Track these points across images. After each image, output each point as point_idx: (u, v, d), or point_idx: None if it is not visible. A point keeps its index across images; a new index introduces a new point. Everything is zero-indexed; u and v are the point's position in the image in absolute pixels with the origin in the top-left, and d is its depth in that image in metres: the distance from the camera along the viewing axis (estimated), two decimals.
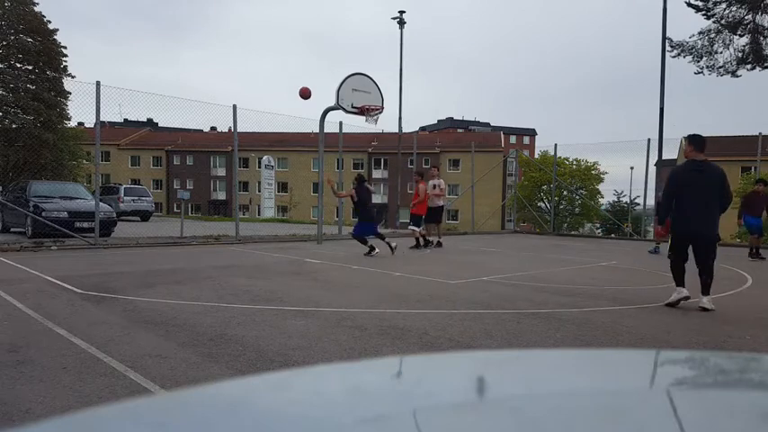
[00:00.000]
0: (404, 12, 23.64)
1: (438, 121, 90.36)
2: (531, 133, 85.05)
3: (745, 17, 19.72)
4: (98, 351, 3.70)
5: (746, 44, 19.91)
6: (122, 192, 22.17)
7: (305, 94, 12.08)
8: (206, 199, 56.16)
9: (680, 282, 5.78)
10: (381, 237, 10.72)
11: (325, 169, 13.57)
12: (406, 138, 25.44)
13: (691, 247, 5.78)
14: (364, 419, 0.62)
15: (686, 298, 5.68)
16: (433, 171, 12.94)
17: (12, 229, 13.41)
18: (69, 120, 25.45)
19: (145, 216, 21.81)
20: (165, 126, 58.07)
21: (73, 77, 25.83)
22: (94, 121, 11.19)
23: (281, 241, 13.71)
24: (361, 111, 13.06)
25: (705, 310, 5.52)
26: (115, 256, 9.56)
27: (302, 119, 26.52)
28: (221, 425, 0.59)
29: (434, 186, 12.30)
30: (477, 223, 20.69)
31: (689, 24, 23.11)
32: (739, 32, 19.88)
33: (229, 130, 14.26)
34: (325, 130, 13.48)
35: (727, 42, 20.26)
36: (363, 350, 3.90)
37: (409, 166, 17.90)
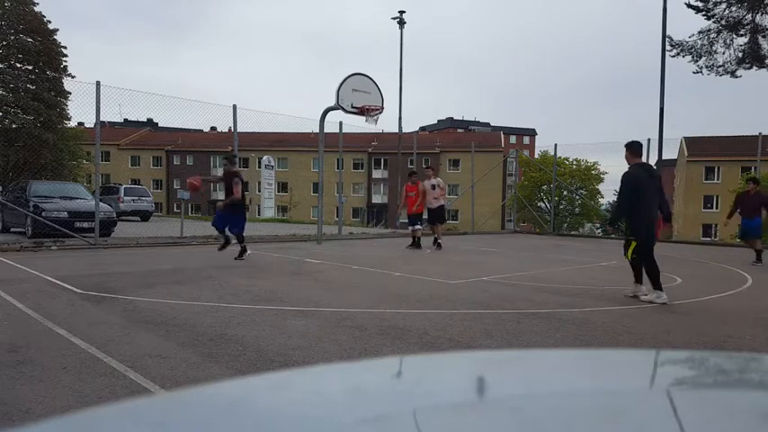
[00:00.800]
0: (404, 12, 23.66)
1: (438, 121, 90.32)
2: (531, 133, 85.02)
3: (745, 17, 19.73)
4: (98, 351, 3.70)
5: (745, 44, 19.92)
6: (122, 192, 22.16)
7: (193, 187, 9.44)
8: (206, 199, 56.16)
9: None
10: (225, 237, 9.39)
11: (325, 169, 13.58)
12: (406, 138, 25.44)
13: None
14: (364, 419, 0.62)
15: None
16: (429, 171, 12.58)
17: (12, 229, 13.41)
18: (69, 120, 25.46)
19: (145, 216, 21.80)
20: (165, 126, 58.09)
21: (73, 77, 25.85)
22: (94, 121, 11.19)
23: (281, 241, 13.71)
24: (361, 111, 13.05)
25: (653, 303, 5.87)
26: (115, 256, 9.56)
27: (302, 119, 26.61)
28: (221, 425, 0.59)
29: (434, 187, 12.14)
30: (477, 223, 20.69)
31: (689, 24, 23.17)
32: (739, 33, 19.89)
33: (229, 130, 14.26)
34: (325, 130, 13.47)
35: (728, 42, 20.27)
36: (363, 350, 3.90)
37: (409, 166, 17.87)
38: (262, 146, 43.44)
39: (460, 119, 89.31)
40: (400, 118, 23.87)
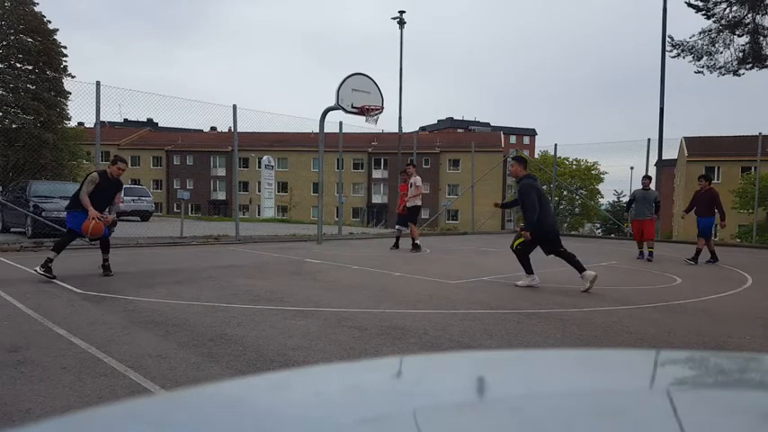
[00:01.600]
0: (404, 12, 23.67)
1: (438, 121, 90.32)
2: (531, 133, 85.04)
3: (746, 17, 19.72)
4: (98, 351, 3.70)
5: (746, 44, 19.92)
6: (122, 192, 22.15)
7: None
8: (206, 199, 56.17)
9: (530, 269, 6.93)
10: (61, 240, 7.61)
11: (325, 169, 13.57)
12: (406, 138, 25.44)
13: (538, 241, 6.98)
14: (364, 419, 0.62)
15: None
16: (410, 169, 11.85)
17: (12, 229, 13.41)
18: (69, 120, 25.50)
19: (145, 216, 21.79)
20: (165, 126, 58.10)
21: (73, 77, 25.89)
22: (94, 121, 11.20)
23: (281, 241, 13.71)
24: (361, 111, 13.05)
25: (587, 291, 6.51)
26: (115, 256, 9.54)
27: (302, 119, 26.64)
28: (221, 425, 0.59)
29: (412, 185, 11.55)
30: (477, 223, 20.69)
31: (689, 24, 23.13)
32: (739, 32, 19.88)
33: (229, 130, 14.26)
34: (325, 130, 13.48)
35: (728, 42, 20.27)
36: (363, 350, 3.90)
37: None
38: (262, 146, 43.49)
39: (460, 119, 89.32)
40: (400, 118, 23.89)
